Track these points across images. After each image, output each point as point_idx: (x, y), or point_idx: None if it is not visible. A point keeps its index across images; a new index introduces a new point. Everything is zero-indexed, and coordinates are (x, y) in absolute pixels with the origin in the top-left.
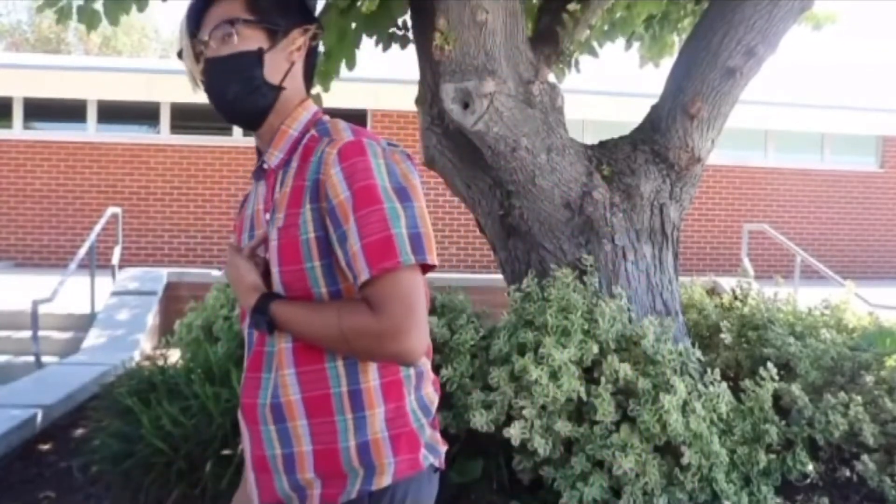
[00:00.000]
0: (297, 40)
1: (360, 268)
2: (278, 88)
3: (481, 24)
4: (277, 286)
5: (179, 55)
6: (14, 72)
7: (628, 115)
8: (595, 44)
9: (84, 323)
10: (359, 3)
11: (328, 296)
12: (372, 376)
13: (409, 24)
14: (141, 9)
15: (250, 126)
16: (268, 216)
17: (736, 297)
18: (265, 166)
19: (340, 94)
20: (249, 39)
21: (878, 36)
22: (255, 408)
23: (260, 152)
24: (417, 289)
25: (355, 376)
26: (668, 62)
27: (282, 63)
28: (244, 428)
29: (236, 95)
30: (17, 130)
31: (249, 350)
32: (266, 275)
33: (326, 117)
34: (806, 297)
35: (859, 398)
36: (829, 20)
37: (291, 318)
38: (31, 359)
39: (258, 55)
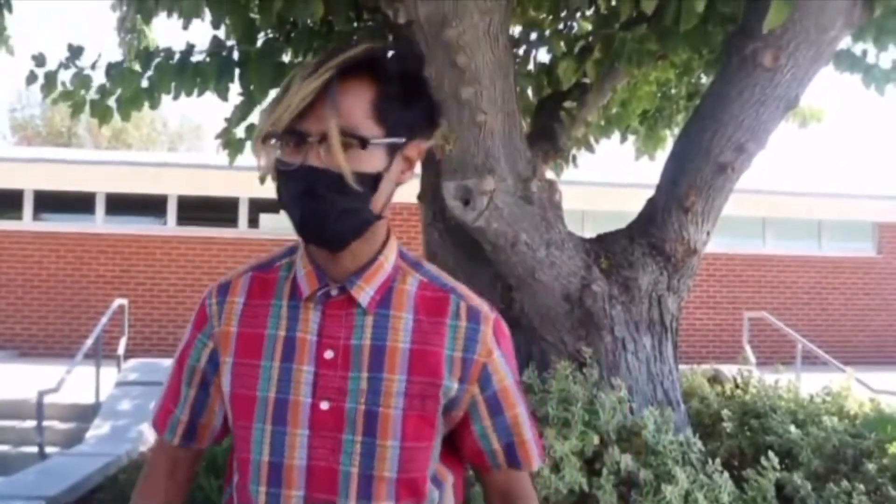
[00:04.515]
0: (413, 156)
1: (531, 456)
2: (379, 217)
3: (480, 124)
4: (388, 465)
5: (264, 139)
6: (26, 165)
7: (629, 205)
8: (591, 139)
9: (88, 413)
10: None
11: (430, 479)
12: None
13: None
14: (153, 106)
15: (332, 249)
16: (329, 355)
17: (737, 385)
18: (333, 294)
19: None
20: (369, 158)
21: (868, 126)
22: (334, 474)
23: (319, 270)
24: None
25: None
26: (662, 154)
27: (390, 185)
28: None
29: (338, 221)
30: (27, 221)
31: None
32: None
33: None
34: (808, 384)
35: (862, 486)
36: (814, 118)
37: None
38: (34, 449)
39: (375, 180)
